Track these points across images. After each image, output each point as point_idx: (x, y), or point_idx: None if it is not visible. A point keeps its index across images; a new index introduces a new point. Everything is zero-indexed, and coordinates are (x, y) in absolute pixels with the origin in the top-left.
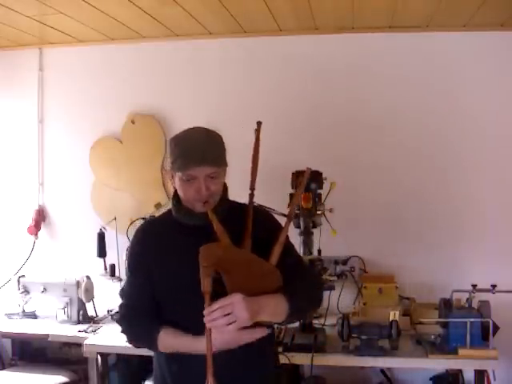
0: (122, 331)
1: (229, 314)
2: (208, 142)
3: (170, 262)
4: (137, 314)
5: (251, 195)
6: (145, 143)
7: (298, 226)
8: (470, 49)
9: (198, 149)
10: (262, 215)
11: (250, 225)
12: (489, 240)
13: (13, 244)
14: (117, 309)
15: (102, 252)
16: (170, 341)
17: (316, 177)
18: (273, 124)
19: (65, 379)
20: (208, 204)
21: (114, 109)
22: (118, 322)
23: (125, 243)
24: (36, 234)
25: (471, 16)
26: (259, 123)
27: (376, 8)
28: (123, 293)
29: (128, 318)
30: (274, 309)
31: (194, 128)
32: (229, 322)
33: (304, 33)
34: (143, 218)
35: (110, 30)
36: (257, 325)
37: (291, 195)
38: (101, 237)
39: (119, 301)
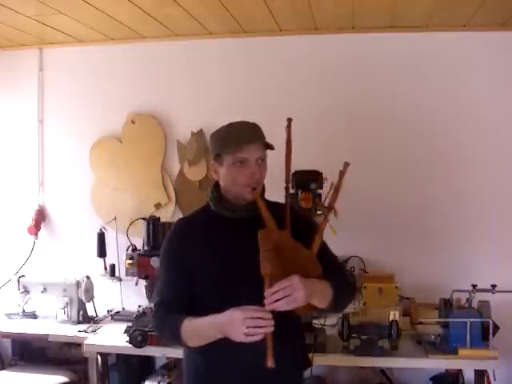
0: (154, 328)
1: (288, 296)
2: (253, 125)
3: (212, 256)
4: (167, 310)
5: (287, 188)
6: (145, 143)
7: None
8: (470, 49)
9: (248, 130)
10: (294, 210)
11: (289, 216)
12: (489, 240)
13: (13, 244)
14: (116, 309)
15: (102, 252)
16: (192, 324)
17: (316, 177)
18: (272, 124)
19: (65, 379)
20: (256, 191)
21: (114, 109)
22: (152, 317)
23: (125, 243)
24: (36, 234)
25: (471, 16)
26: (289, 120)
27: (376, 8)
28: (156, 292)
29: (159, 313)
30: (323, 293)
31: (231, 122)
32: (289, 303)
33: (304, 33)
34: (143, 218)
35: (110, 30)
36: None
37: (292, 194)
38: (101, 237)
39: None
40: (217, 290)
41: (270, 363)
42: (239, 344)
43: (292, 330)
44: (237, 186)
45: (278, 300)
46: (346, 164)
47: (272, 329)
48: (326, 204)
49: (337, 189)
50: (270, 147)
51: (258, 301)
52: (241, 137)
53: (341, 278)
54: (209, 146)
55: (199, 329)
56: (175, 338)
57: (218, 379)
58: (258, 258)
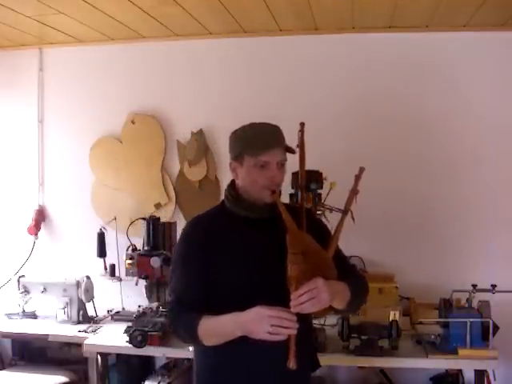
0: (169, 325)
1: (313, 298)
2: (276, 128)
3: (230, 255)
4: (183, 308)
5: (302, 191)
6: (145, 143)
7: None
8: (470, 49)
9: (271, 133)
10: (309, 212)
11: (305, 219)
12: (489, 240)
13: (13, 244)
14: (116, 309)
15: (102, 252)
16: (210, 322)
17: (316, 177)
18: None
19: (65, 379)
20: (275, 194)
21: (113, 109)
22: (166, 316)
23: (125, 243)
24: (36, 234)
25: (471, 16)
26: (302, 124)
27: (376, 8)
28: (171, 289)
29: (175, 311)
30: (343, 295)
31: (253, 122)
32: (314, 305)
33: (304, 33)
34: (143, 218)
35: (110, 30)
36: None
37: (291, 195)
38: (101, 237)
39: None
40: (235, 289)
41: (292, 364)
42: (254, 345)
43: (305, 331)
44: (256, 187)
45: (303, 302)
46: (362, 169)
47: (295, 331)
48: (342, 208)
49: (353, 192)
50: (291, 151)
51: (278, 302)
52: (264, 140)
53: (356, 279)
54: (229, 144)
55: (218, 326)
56: (191, 337)
57: (229, 379)
58: (277, 259)
